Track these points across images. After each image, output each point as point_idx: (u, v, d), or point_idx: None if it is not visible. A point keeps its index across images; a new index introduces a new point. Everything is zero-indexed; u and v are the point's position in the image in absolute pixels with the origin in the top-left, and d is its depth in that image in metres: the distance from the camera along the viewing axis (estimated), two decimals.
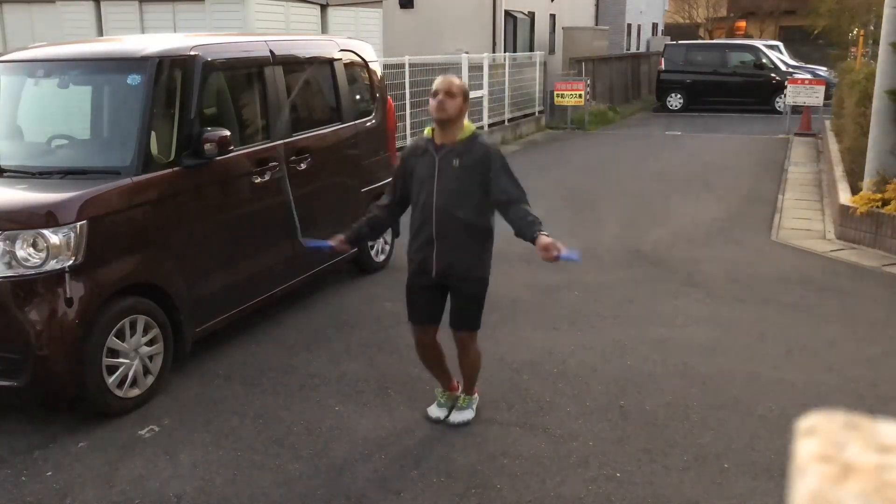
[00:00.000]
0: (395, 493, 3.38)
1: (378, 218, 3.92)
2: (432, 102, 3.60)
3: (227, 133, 4.50)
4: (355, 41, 6.81)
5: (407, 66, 12.01)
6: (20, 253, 3.71)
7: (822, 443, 0.48)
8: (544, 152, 14.36)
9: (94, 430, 3.93)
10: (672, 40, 27.45)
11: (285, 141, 5.33)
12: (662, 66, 21.75)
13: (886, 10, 7.92)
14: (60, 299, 3.76)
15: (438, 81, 3.65)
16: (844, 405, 4.08)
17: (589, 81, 17.30)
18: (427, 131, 3.75)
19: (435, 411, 4.02)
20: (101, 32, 11.66)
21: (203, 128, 4.48)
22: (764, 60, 20.75)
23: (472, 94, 13.93)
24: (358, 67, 6.52)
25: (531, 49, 20.57)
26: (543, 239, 3.45)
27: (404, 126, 11.68)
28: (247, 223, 4.95)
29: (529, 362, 4.71)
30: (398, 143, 7.49)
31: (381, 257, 6.59)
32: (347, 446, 3.76)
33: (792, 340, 5.06)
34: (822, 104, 15.90)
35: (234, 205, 4.88)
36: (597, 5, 28.74)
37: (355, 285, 6.23)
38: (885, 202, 7.24)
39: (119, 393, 4.04)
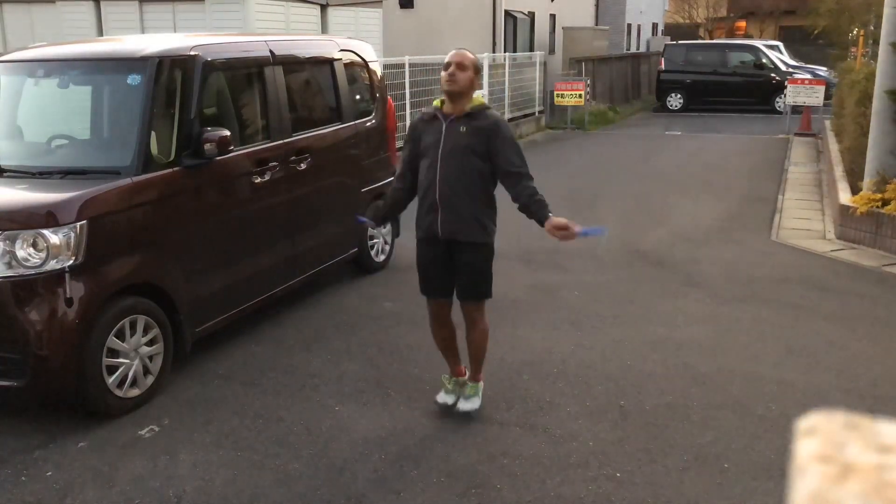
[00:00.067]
0: (395, 493, 3.38)
1: (397, 190, 3.98)
2: (444, 74, 3.65)
3: (227, 133, 4.50)
4: (355, 41, 6.81)
5: (407, 66, 12.01)
6: (20, 253, 3.71)
7: (822, 443, 0.48)
8: (544, 152, 14.36)
9: (94, 430, 3.93)
10: (672, 40, 27.46)
11: (285, 140, 5.33)
12: (662, 66, 21.75)
13: (886, 10, 7.92)
14: (60, 299, 3.76)
15: (451, 54, 3.71)
16: (844, 405, 4.08)
17: (589, 81, 17.30)
18: (436, 102, 3.80)
19: (443, 397, 4.05)
20: (101, 32, 11.66)
21: (203, 128, 4.48)
22: (764, 60, 20.75)
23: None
24: (358, 67, 6.52)
25: (531, 49, 20.57)
26: (555, 219, 3.50)
27: (404, 126, 11.67)
28: (247, 223, 4.95)
29: (529, 362, 4.71)
30: (398, 143, 7.49)
31: (381, 257, 6.59)
32: (347, 446, 3.76)
33: (792, 340, 5.06)
34: (822, 104, 15.91)
35: (234, 205, 4.88)
36: (597, 5, 28.73)
37: (355, 285, 6.23)
38: (885, 202, 7.24)
39: (119, 393, 4.04)
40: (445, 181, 3.65)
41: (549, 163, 12.97)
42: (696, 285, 6.24)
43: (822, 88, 15.84)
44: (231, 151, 4.61)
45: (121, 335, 4.03)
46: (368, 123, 6.43)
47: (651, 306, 5.73)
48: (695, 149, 14.24)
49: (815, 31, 18.17)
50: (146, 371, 4.21)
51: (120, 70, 4.54)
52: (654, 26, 34.91)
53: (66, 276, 3.76)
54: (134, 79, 4.40)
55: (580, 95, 16.57)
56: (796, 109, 16.27)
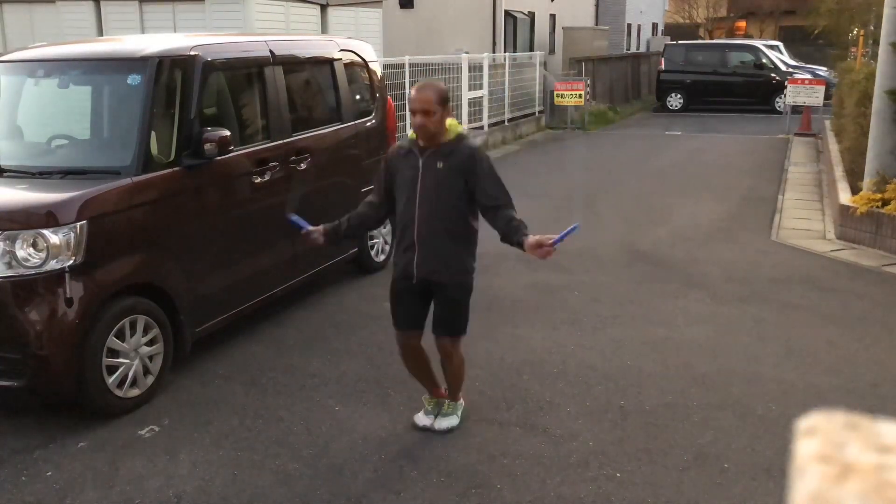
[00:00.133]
0: (395, 493, 3.38)
1: (363, 215, 3.82)
2: (413, 121, 3.48)
3: (227, 133, 4.50)
4: (355, 41, 6.81)
5: (407, 66, 12.01)
6: (20, 253, 3.71)
7: (822, 443, 0.48)
8: (544, 152, 14.36)
9: (94, 430, 3.93)
10: (672, 40, 27.46)
11: (285, 140, 5.33)
12: (662, 66, 21.76)
13: (886, 10, 7.92)
14: (60, 299, 3.76)
15: (413, 97, 3.47)
16: (844, 405, 4.08)
17: (589, 81, 17.30)
18: (411, 134, 3.63)
19: (422, 419, 3.94)
20: (101, 32, 11.66)
21: (203, 128, 4.48)
22: (764, 60, 20.75)
23: (472, 95, 13.97)
24: (358, 67, 6.52)
25: (531, 49, 20.57)
26: (530, 239, 3.39)
27: (404, 126, 11.67)
28: (247, 223, 4.95)
29: (529, 362, 4.71)
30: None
31: (381, 257, 6.59)
32: (347, 446, 3.76)
33: (792, 340, 5.06)
34: (822, 104, 15.91)
35: (234, 205, 4.88)
36: (597, 5, 28.75)
37: (355, 285, 6.23)
38: (885, 202, 7.24)
39: (119, 393, 4.04)
40: (424, 220, 3.53)
41: (549, 163, 12.97)
42: (696, 285, 6.24)
43: (822, 88, 15.84)
44: (231, 151, 4.61)
45: (121, 335, 4.03)
46: (368, 123, 6.43)
47: (651, 306, 5.73)
48: (695, 149, 14.24)
49: (815, 31, 18.17)
50: (146, 371, 4.21)
51: (120, 70, 4.54)
52: (654, 26, 34.92)
53: (66, 276, 3.76)
54: (134, 79, 4.40)
55: (580, 95, 16.58)
56: (796, 109, 16.27)
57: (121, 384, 4.05)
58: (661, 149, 14.35)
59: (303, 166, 5.44)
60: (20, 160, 4.60)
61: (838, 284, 6.31)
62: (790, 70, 20.11)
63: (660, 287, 6.19)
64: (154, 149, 4.33)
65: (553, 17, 24.07)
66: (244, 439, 3.84)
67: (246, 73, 5.27)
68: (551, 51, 22.34)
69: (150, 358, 4.23)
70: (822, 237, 7.81)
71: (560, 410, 4.10)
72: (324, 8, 12.60)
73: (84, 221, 3.81)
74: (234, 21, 10.84)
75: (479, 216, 3.67)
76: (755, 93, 20.52)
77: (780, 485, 3.40)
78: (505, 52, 18.60)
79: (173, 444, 3.80)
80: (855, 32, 16.58)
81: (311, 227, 3.80)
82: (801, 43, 28.10)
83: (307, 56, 5.97)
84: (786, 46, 23.66)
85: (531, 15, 22.53)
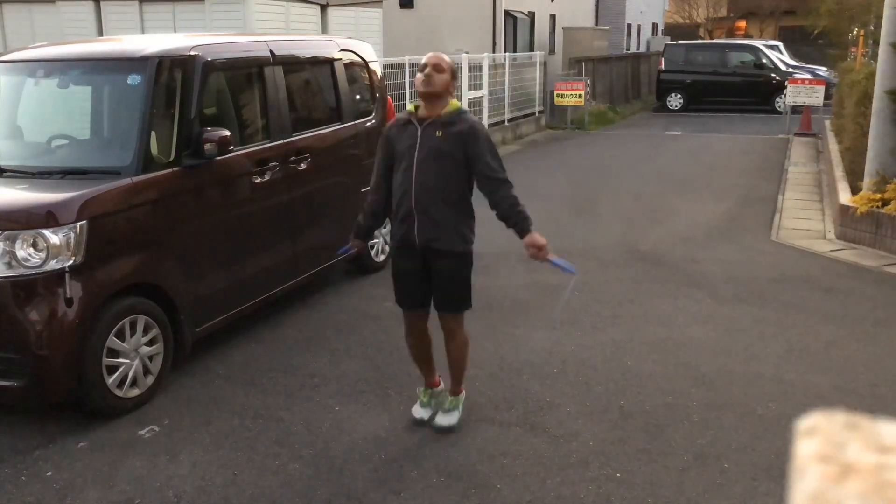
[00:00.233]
0: (395, 493, 3.38)
1: (373, 203, 3.81)
2: (419, 76, 3.53)
3: (228, 133, 4.50)
4: (355, 41, 6.81)
5: (407, 66, 12.01)
6: (20, 253, 3.71)
7: (822, 443, 0.48)
8: (544, 152, 14.37)
9: (94, 430, 3.93)
10: (672, 40, 27.46)
11: (285, 140, 5.33)
12: (662, 66, 21.76)
13: (886, 11, 7.92)
14: (60, 299, 3.76)
15: (427, 56, 3.60)
16: (844, 405, 4.08)
17: (589, 81, 17.30)
18: (410, 107, 3.65)
19: (418, 411, 3.93)
20: (101, 32, 11.66)
21: (203, 128, 4.48)
22: (764, 60, 20.76)
23: (472, 95, 13.96)
24: (358, 67, 6.52)
25: (531, 49, 20.57)
26: (535, 236, 3.44)
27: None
28: (247, 223, 4.95)
29: (529, 362, 4.71)
30: None
31: (382, 257, 6.59)
32: (347, 446, 3.76)
33: (792, 340, 5.06)
34: (822, 104, 15.91)
35: (234, 205, 4.88)
36: (597, 5, 28.74)
37: (355, 285, 6.23)
38: (885, 202, 7.24)
39: (119, 393, 4.04)
40: (421, 188, 3.51)
41: (549, 163, 12.97)
42: (696, 285, 6.24)
43: (822, 88, 15.85)
44: (231, 151, 4.61)
45: (121, 335, 4.03)
46: (368, 123, 6.43)
47: (651, 306, 5.73)
48: (695, 149, 14.24)
49: (815, 32, 18.17)
50: (146, 371, 4.21)
51: (120, 70, 4.54)
52: (654, 26, 34.92)
53: (66, 276, 3.76)
54: (134, 79, 4.40)
55: (580, 95, 16.58)
56: (796, 109, 16.27)
57: (121, 384, 4.05)
58: (661, 149, 14.35)
59: (303, 166, 5.44)
60: (20, 160, 4.60)
61: (838, 284, 6.31)
62: (790, 70, 20.12)
63: (660, 287, 6.20)
64: (154, 149, 4.33)
65: (553, 17, 24.07)
66: (244, 439, 3.84)
67: (246, 73, 5.27)
68: (551, 51, 22.34)
69: (150, 358, 4.23)
70: (822, 237, 7.81)
71: (560, 410, 4.10)
72: (324, 8, 12.59)
73: (84, 221, 3.81)
74: (234, 21, 10.84)
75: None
76: (755, 93, 20.53)
77: (780, 485, 3.40)
78: (505, 52, 18.59)
79: (173, 444, 3.80)
80: (855, 32, 16.58)
81: (349, 246, 3.96)
82: (801, 43, 28.10)
83: (307, 56, 5.97)
84: (786, 46, 23.67)
85: (531, 15, 22.52)
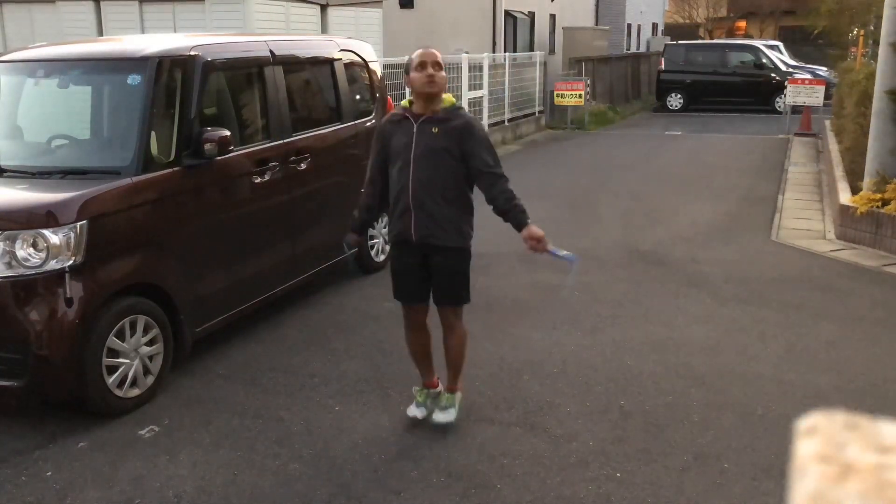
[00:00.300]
0: (395, 493, 3.38)
1: (369, 196, 3.82)
2: (419, 76, 3.46)
3: (228, 133, 4.50)
4: (355, 41, 6.81)
5: None
6: (20, 253, 3.71)
7: (822, 443, 0.48)
8: (544, 152, 14.37)
9: (94, 430, 3.93)
10: (672, 40, 27.46)
11: (285, 140, 5.33)
12: (662, 66, 21.77)
13: (886, 11, 7.92)
14: (60, 299, 3.76)
15: (422, 52, 3.53)
16: (844, 405, 4.08)
17: (589, 81, 17.30)
18: (405, 102, 3.63)
19: (413, 410, 3.91)
20: (101, 32, 11.65)
21: (203, 128, 4.48)
22: (764, 60, 20.76)
23: (472, 95, 13.97)
24: (358, 67, 6.52)
25: (531, 49, 20.57)
26: (532, 229, 3.44)
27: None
28: (247, 223, 4.95)
29: (529, 362, 4.71)
30: None
31: (382, 257, 6.58)
32: (347, 446, 3.76)
33: (792, 340, 5.06)
34: (822, 104, 15.91)
35: (234, 205, 4.88)
36: (597, 5, 28.74)
37: (355, 285, 6.23)
38: (885, 202, 7.24)
39: (119, 393, 4.04)
40: (419, 183, 3.51)
41: (549, 163, 12.97)
42: (696, 285, 6.24)
43: (822, 88, 15.85)
44: (231, 151, 4.61)
45: (121, 335, 4.03)
46: (368, 123, 6.43)
47: (651, 306, 5.73)
48: (695, 149, 14.24)
49: (815, 31, 18.16)
50: (146, 371, 4.21)
51: (120, 70, 4.54)
52: (654, 26, 34.91)
53: (66, 276, 3.76)
54: (134, 79, 4.40)
55: (580, 95, 16.58)
56: (796, 109, 16.27)
57: (121, 384, 4.05)
58: (661, 149, 14.35)
59: (303, 166, 5.44)
60: (20, 160, 4.60)
61: (838, 284, 6.31)
62: (790, 70, 20.12)
63: (660, 287, 6.20)
64: (154, 149, 4.33)
65: (553, 17, 24.06)
66: (244, 439, 3.84)
67: (246, 73, 5.27)
68: (551, 51, 22.33)
69: (150, 358, 4.23)
70: (822, 237, 7.81)
71: (560, 410, 4.10)
72: (324, 8, 12.59)
73: (84, 221, 3.81)
74: (234, 21, 10.83)
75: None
76: (755, 93, 20.53)
77: (780, 485, 3.40)
78: (505, 52, 18.59)
79: (173, 444, 3.80)
80: (855, 32, 16.58)
81: (352, 244, 3.98)
82: (801, 43, 28.09)
83: (307, 56, 5.97)
84: (786, 46, 23.67)
85: (531, 15, 22.52)
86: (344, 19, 13.03)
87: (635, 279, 6.41)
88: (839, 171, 9.26)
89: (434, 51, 3.58)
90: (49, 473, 3.55)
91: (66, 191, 3.92)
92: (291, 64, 5.64)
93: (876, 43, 9.57)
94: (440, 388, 3.99)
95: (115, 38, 6.42)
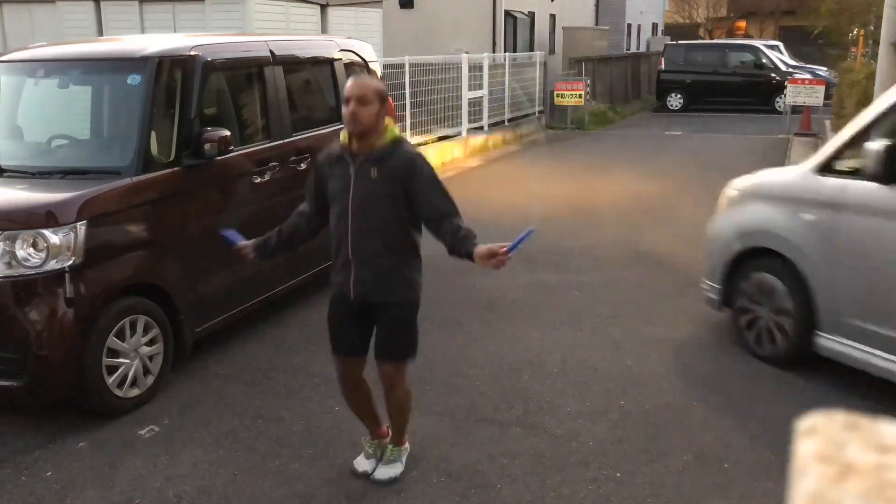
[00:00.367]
0: (395, 493, 3.38)
1: (294, 226, 3.43)
2: (344, 111, 3.08)
3: (228, 133, 4.50)
4: (355, 41, 6.81)
5: (407, 66, 12.01)
6: (20, 253, 3.71)
7: (822, 443, 0.48)
8: (544, 152, 14.37)
9: (94, 430, 3.93)
10: (672, 40, 27.46)
11: (285, 140, 5.33)
12: (662, 66, 21.77)
13: (886, 11, 7.92)
14: (60, 299, 3.76)
15: (349, 86, 3.10)
16: (844, 405, 4.08)
17: (589, 81, 17.30)
18: (342, 136, 3.22)
19: (362, 464, 3.53)
20: (101, 32, 11.66)
21: (203, 128, 4.48)
22: (764, 60, 20.76)
23: (472, 95, 13.96)
24: (358, 67, 6.52)
25: (531, 49, 20.57)
26: (479, 249, 2.98)
27: (404, 126, 11.67)
28: (247, 223, 4.94)
29: (529, 362, 4.71)
30: None
31: None
32: (347, 446, 3.75)
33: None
34: (822, 104, 15.91)
35: (234, 205, 4.88)
36: (597, 5, 28.75)
37: None
38: None
39: (119, 393, 4.04)
40: (358, 236, 3.15)
41: (549, 163, 12.97)
42: (696, 285, 6.23)
43: (822, 88, 15.84)
44: (231, 151, 4.61)
45: (121, 335, 4.03)
46: None
47: (651, 306, 5.73)
48: (695, 149, 14.24)
49: (815, 31, 18.18)
50: (146, 371, 4.21)
51: (120, 70, 4.54)
52: (654, 26, 34.92)
53: (66, 276, 3.76)
54: (134, 79, 4.40)
55: (580, 95, 16.58)
56: (796, 109, 16.27)
57: (121, 384, 4.05)
58: (662, 149, 14.35)
59: (303, 166, 5.44)
60: (20, 160, 4.60)
61: None
62: (790, 70, 20.12)
63: (660, 287, 6.19)
64: (154, 149, 4.33)
65: (553, 17, 24.07)
66: (244, 439, 3.84)
67: (246, 73, 5.27)
68: (551, 51, 22.34)
69: (150, 358, 4.23)
70: None
71: (560, 410, 4.10)
72: (324, 8, 12.60)
73: (84, 221, 3.81)
74: (234, 21, 10.84)
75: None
76: (755, 93, 20.53)
77: (780, 485, 3.40)
78: (505, 52, 18.59)
79: (173, 444, 3.80)
80: (855, 32, 16.59)
81: (241, 243, 3.48)
82: (801, 43, 28.11)
83: (307, 56, 5.97)
84: (786, 46, 23.66)
85: (531, 15, 22.53)
86: (344, 19, 13.03)
87: (635, 279, 6.41)
88: None
89: (365, 82, 3.14)
90: (49, 473, 3.55)
91: (66, 191, 3.91)
92: (291, 64, 5.64)
93: (876, 43, 9.57)
94: (389, 437, 3.60)
95: (115, 38, 6.42)
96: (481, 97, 14.35)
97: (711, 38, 34.93)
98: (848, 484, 0.45)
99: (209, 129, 4.47)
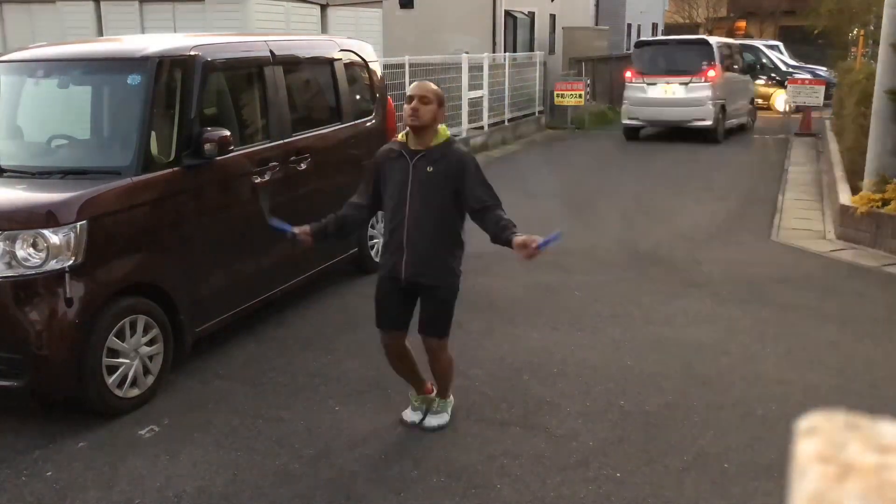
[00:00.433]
0: (395, 493, 3.38)
1: (348, 217, 3.83)
2: (406, 108, 3.57)
3: (228, 133, 4.50)
4: (355, 41, 6.81)
5: (407, 66, 12.01)
6: (20, 253, 3.71)
7: (822, 443, 0.48)
8: (544, 152, 14.37)
9: (94, 430, 3.93)
10: None
11: (285, 140, 5.33)
12: None
13: (886, 11, 7.92)
14: (60, 299, 3.76)
15: (413, 87, 3.65)
16: (844, 405, 4.07)
17: (589, 81, 17.30)
18: (400, 136, 3.71)
19: (410, 415, 3.97)
20: (101, 32, 11.65)
21: (203, 128, 4.48)
22: (764, 60, 20.74)
23: (472, 95, 13.96)
24: (358, 67, 6.52)
25: (531, 49, 20.57)
26: (518, 238, 3.41)
27: (404, 126, 11.66)
28: (247, 223, 4.95)
29: (529, 362, 4.71)
30: None
31: None
32: (347, 446, 3.76)
33: (792, 340, 5.06)
34: (822, 104, 15.91)
35: (234, 205, 4.88)
36: (597, 5, 28.73)
37: (355, 285, 6.23)
38: (885, 202, 7.24)
39: (119, 393, 4.04)
40: (414, 223, 3.57)
41: (549, 163, 12.97)
42: (696, 285, 6.24)
43: (822, 88, 15.84)
44: (231, 151, 4.61)
45: (121, 335, 4.03)
46: (368, 123, 6.43)
47: (651, 306, 5.73)
48: (694, 148, 14.24)
49: (816, 31, 18.17)
50: (146, 371, 4.21)
51: (120, 70, 4.54)
52: (654, 26, 34.90)
53: (66, 276, 3.76)
54: (134, 79, 4.40)
55: (580, 95, 16.57)
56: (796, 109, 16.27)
57: (121, 384, 4.05)
58: (661, 149, 14.34)
59: (303, 166, 5.44)
60: (20, 160, 4.60)
61: (838, 284, 6.31)
62: (790, 70, 20.11)
63: (660, 287, 6.19)
64: (154, 149, 4.33)
65: (553, 17, 24.05)
66: (244, 439, 3.84)
67: (246, 73, 5.27)
68: (551, 51, 22.32)
69: (150, 358, 4.23)
70: (822, 237, 7.81)
71: (560, 410, 4.10)
72: (324, 8, 12.59)
73: (84, 221, 3.81)
74: (234, 21, 10.83)
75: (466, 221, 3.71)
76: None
77: (780, 485, 3.40)
78: (505, 52, 18.59)
79: (173, 444, 3.80)
80: (855, 32, 16.58)
81: (296, 230, 3.76)
82: (801, 43, 28.08)
83: (307, 56, 5.97)
84: (786, 46, 23.65)
85: (531, 15, 22.51)
86: (344, 19, 13.03)
87: (635, 279, 6.41)
88: (839, 171, 9.26)
89: (427, 85, 3.67)
90: (49, 473, 3.55)
91: (66, 191, 3.92)
92: (291, 64, 5.64)
93: (876, 43, 9.57)
94: (434, 393, 4.02)
95: (115, 38, 6.42)
96: (481, 97, 14.35)
97: None
98: (848, 484, 0.45)
99: (209, 129, 4.47)
